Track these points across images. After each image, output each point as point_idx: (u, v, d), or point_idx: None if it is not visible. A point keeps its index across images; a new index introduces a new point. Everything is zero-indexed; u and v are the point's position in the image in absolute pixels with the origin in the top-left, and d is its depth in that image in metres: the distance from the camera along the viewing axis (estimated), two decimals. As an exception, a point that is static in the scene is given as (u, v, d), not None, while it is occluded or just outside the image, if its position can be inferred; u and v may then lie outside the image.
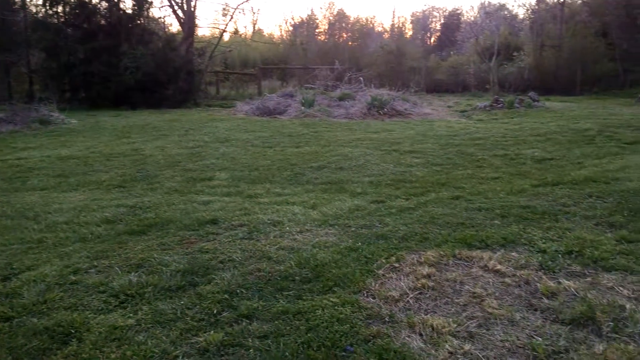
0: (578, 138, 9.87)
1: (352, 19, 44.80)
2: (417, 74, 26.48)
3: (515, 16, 42.95)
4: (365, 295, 3.28)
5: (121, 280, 3.47)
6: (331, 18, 43.38)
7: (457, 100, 20.05)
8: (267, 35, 40.83)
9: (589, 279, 3.52)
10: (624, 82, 23.77)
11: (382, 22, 65.10)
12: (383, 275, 3.57)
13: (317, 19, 42.78)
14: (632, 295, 3.26)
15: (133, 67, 17.93)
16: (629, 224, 4.57)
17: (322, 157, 8.29)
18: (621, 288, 3.36)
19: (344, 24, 43.79)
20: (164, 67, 18.56)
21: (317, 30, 41.34)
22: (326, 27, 42.60)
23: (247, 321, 2.92)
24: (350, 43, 39.29)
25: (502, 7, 39.51)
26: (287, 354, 2.59)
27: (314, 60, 28.36)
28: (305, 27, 40.91)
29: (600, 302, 3.12)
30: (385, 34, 46.68)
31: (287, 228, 4.62)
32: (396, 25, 49.76)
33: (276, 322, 2.91)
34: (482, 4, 44.42)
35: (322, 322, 2.89)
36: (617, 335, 2.80)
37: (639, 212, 4.91)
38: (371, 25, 47.19)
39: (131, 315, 3.02)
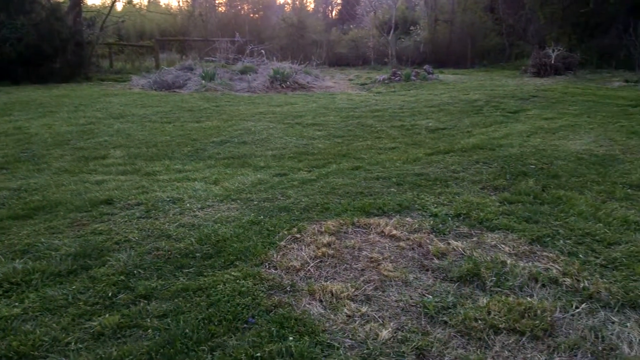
0: (468, 108, 10.49)
1: (252, -10, 43.78)
2: (319, 48, 26.62)
3: (412, -9, 44.32)
4: (267, 267, 3.31)
5: (4, 268, 3.22)
6: (231, -11, 42.09)
7: (358, 74, 20.46)
8: (164, 5, 38.83)
9: (475, 238, 3.81)
10: (509, 56, 25.46)
11: (284, -7, 64.23)
12: (285, 246, 3.62)
13: (216, -10, 41.32)
14: (513, 252, 3.57)
15: (14, 39, 16.32)
16: (511, 187, 4.98)
17: (225, 132, 8.14)
18: (503, 245, 3.67)
19: (244, -5, 42.72)
20: (49, 38, 17.05)
21: (217, 1, 40.01)
22: (226, -2, 41.34)
23: (145, 301, 2.85)
24: (251, 15, 38.52)
25: (399, -19, 40.47)
26: (187, 330, 2.56)
27: (214, 32, 27.49)
28: (204, -3, 39.39)
29: (484, 260, 3.39)
30: (287, 6, 46.25)
31: (188, 205, 4.52)
32: (297, -2, 49.42)
33: (176, 300, 2.86)
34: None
35: (224, 297, 2.89)
36: (499, 289, 3.06)
37: (519, 175, 5.35)
38: (272, -2, 46.49)
39: (17, 304, 2.83)
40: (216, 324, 2.63)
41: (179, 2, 43.31)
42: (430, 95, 13.04)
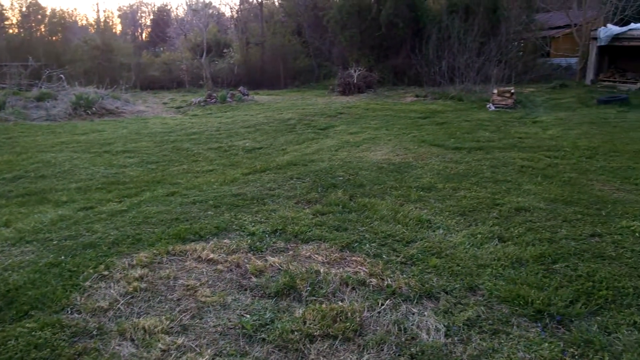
0: (282, 127, 10.88)
1: (49, 11, 40.16)
2: (129, 71, 25.31)
3: (223, 14, 44.83)
4: (70, 312, 2.99)
5: None
6: (24, 9, 38.04)
7: (173, 97, 19.92)
8: None
9: (291, 252, 3.92)
10: (319, 76, 27.11)
11: (87, 15, 59.88)
12: (90, 286, 3.31)
13: (4, 9, 36.95)
14: (326, 260, 3.76)
15: None
16: (322, 199, 5.25)
17: (18, 166, 7.23)
18: (317, 255, 3.84)
19: (39, 16, 38.91)
20: None
21: (6, 23, 35.74)
22: (19, 18, 37.23)
23: None
24: (48, 37, 35.19)
25: (209, 4, 40.68)
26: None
27: (3, 56, 24.48)
28: (-12, 17, 34.94)
29: (300, 272, 3.51)
30: (91, 28, 43.35)
31: (-31, 254, 3.89)
32: (102, 20, 46.66)
33: (-49, 368, 2.42)
34: (188, 0, 44.93)
35: (16, 354, 2.53)
36: (314, 298, 3.19)
37: (330, 187, 5.68)
38: (73, 19, 43.20)
39: None
40: (5, 387, 2.28)
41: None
42: (247, 116, 13.24)
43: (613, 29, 16.19)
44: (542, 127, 9.84)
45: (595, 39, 16.68)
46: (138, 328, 2.76)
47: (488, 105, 13.11)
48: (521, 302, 3.07)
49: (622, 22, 18.23)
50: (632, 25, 16.09)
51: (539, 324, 2.88)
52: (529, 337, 2.76)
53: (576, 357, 2.59)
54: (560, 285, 3.29)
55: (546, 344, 2.68)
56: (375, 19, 21.40)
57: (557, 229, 4.27)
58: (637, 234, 4.14)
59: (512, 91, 13.21)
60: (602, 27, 16.63)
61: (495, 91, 13.31)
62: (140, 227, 4.46)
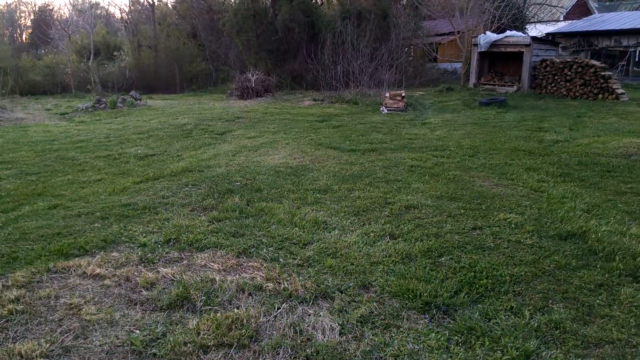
0: (178, 133, 10.54)
1: None
2: (6, 75, 23.21)
3: (113, 15, 42.66)
4: None
5: None
6: None
7: (57, 103, 18.57)
8: None
9: (185, 262, 3.80)
10: (216, 80, 26.65)
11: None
12: (-44, 313, 2.98)
13: None
14: (222, 268, 3.69)
15: None
16: (219, 205, 5.16)
17: None
18: (212, 263, 3.76)
19: None
20: None
21: None
22: None
23: None
24: None
25: (96, 5, 38.55)
26: None
27: None
28: None
29: (194, 281, 3.41)
30: (-40, 27, 39.29)
31: None
32: (-27, 19, 42.47)
33: None
34: (73, 0, 42.31)
35: None
36: (209, 307, 3.11)
37: (227, 193, 5.59)
38: (-63, 17, 38.88)
39: None
40: None
41: None
42: (139, 121, 12.68)
43: (491, 36, 17.54)
44: (430, 128, 10.42)
45: (476, 45, 17.97)
46: (13, 354, 2.53)
47: (381, 109, 13.64)
48: (410, 296, 3.22)
49: (499, 30, 19.85)
50: (508, 33, 17.54)
51: (427, 316, 3.04)
52: (418, 328, 2.89)
53: (460, 344, 2.76)
54: (445, 277, 3.49)
55: (433, 334, 2.82)
56: (271, 23, 21.47)
57: (443, 224, 4.53)
58: (512, 225, 4.50)
59: (403, 94, 13.85)
60: (482, 34, 17.97)
61: (388, 95, 13.88)
62: (16, 245, 4.10)
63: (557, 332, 2.85)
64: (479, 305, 3.14)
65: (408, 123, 11.29)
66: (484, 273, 3.54)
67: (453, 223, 4.57)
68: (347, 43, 18.10)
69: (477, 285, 3.37)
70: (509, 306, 3.12)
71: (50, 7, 47.30)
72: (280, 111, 13.97)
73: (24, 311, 3.03)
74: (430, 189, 5.70)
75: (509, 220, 4.62)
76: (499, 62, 18.82)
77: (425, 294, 3.22)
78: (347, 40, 18.12)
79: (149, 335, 2.76)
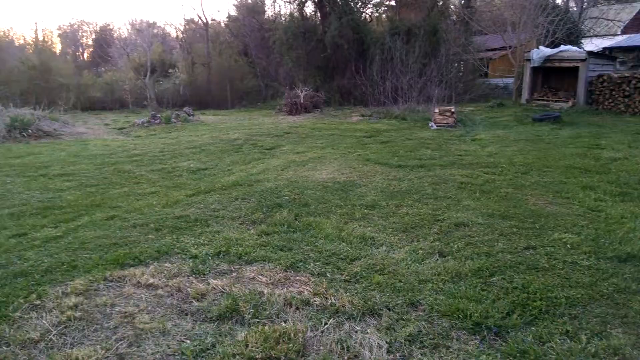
0: (228, 147, 10.79)
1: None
2: (69, 91, 24.51)
3: (168, 34, 44.35)
4: (-3, 346, 2.82)
5: None
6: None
7: (115, 118, 19.42)
8: None
9: (234, 274, 3.87)
10: (266, 96, 27.18)
11: (24, 34, 57.47)
12: (20, 317, 3.15)
13: None
14: (270, 281, 3.72)
15: None
16: (267, 219, 5.23)
17: (-56, 192, 6.82)
18: (261, 277, 3.80)
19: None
20: None
21: None
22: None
23: None
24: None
25: (153, 24, 40.20)
26: None
27: None
28: None
29: (243, 294, 3.46)
30: (28, 47, 41.76)
31: None
32: (40, 39, 45.05)
33: None
34: (131, 20, 44.24)
35: None
36: (257, 320, 3.15)
37: (275, 207, 5.66)
38: (9, 38, 41.47)
39: None
40: None
41: None
42: (192, 136, 13.06)
43: (545, 50, 17.12)
44: (481, 144, 10.22)
45: (529, 60, 17.57)
46: (71, 359, 2.64)
47: (430, 124, 13.51)
48: (460, 316, 3.15)
49: (553, 45, 19.34)
50: (562, 47, 17.06)
51: (477, 337, 2.96)
52: (468, 349, 2.82)
53: (512, 367, 2.67)
54: (497, 297, 3.40)
55: (484, 356, 2.74)
56: (320, 40, 21.76)
57: (494, 243, 4.42)
58: (568, 245, 4.34)
59: (453, 110, 13.68)
60: (535, 49, 17.56)
61: (437, 110, 13.74)
62: (76, 253, 4.29)
63: (616, 358, 2.71)
64: (533, 328, 3.03)
65: (458, 139, 11.12)
66: (538, 294, 3.42)
67: (505, 242, 4.44)
68: (396, 59, 18.09)
69: (530, 307, 3.25)
70: (564, 330, 3.00)
71: (111, 27, 49.52)
72: (328, 127, 14.06)
73: (81, 318, 3.15)
74: (481, 206, 5.58)
75: (564, 240, 4.46)
76: (553, 77, 18.29)
77: (475, 315, 3.14)
78: (396, 56, 18.12)
79: (199, 345, 2.82)
